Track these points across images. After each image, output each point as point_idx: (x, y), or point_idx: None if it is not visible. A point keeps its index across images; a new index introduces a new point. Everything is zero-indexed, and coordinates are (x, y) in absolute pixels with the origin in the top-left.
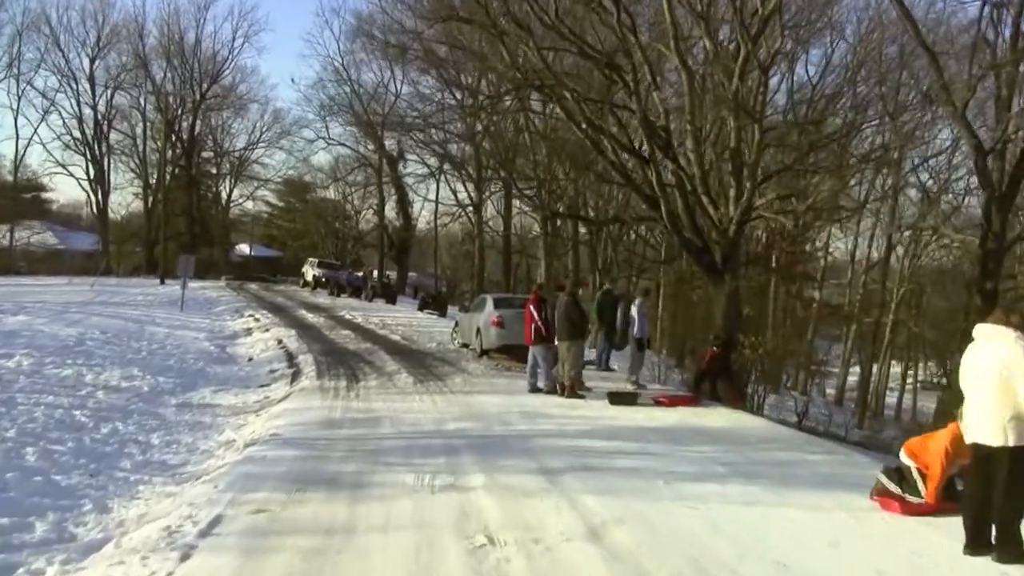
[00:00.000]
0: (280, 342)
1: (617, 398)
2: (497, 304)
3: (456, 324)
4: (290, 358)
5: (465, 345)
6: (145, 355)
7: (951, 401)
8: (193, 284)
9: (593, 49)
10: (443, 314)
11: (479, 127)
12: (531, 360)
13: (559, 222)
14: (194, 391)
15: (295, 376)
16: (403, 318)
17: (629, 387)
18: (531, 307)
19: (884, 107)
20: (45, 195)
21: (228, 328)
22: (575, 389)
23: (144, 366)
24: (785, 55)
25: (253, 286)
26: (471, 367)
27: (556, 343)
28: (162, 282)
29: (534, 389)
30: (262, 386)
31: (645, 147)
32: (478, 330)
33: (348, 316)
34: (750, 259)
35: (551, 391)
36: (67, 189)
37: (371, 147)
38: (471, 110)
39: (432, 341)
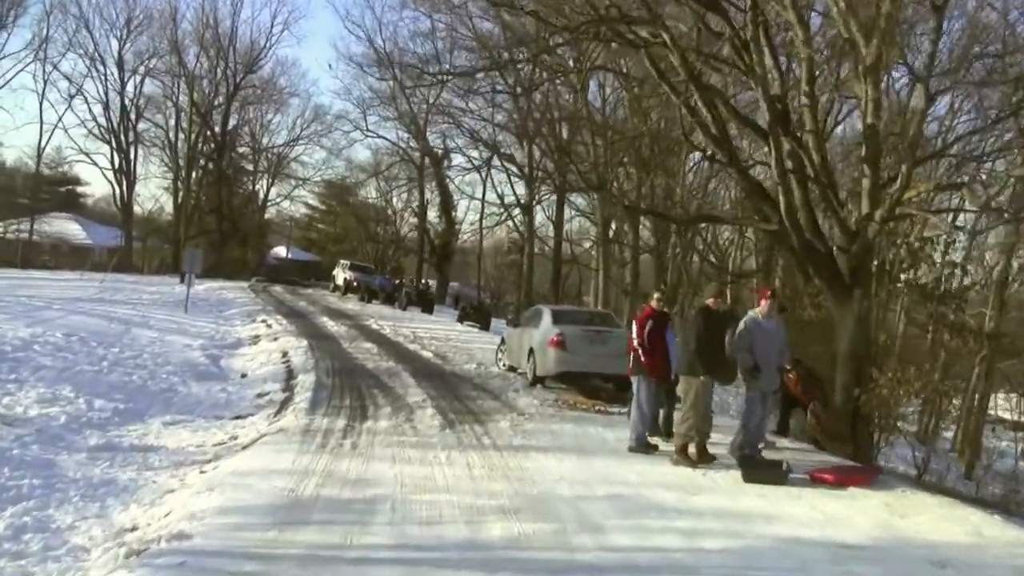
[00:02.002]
0: (285, 355)
1: (755, 472)
2: (557, 318)
3: (502, 341)
4: (289, 377)
5: (513, 368)
6: (105, 366)
7: None
8: (213, 284)
9: None
10: (485, 327)
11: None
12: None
13: (613, 227)
14: (140, 422)
15: (283, 405)
16: (439, 330)
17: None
18: (635, 323)
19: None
20: (80, 189)
21: (232, 335)
22: (686, 451)
23: (87, 383)
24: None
25: (278, 288)
26: (522, 402)
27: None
28: (182, 280)
29: (638, 444)
30: (238, 417)
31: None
32: (531, 351)
33: (375, 325)
34: (888, 271)
35: (637, 449)
36: (103, 183)
37: (413, 144)
38: (537, 48)
39: (471, 361)
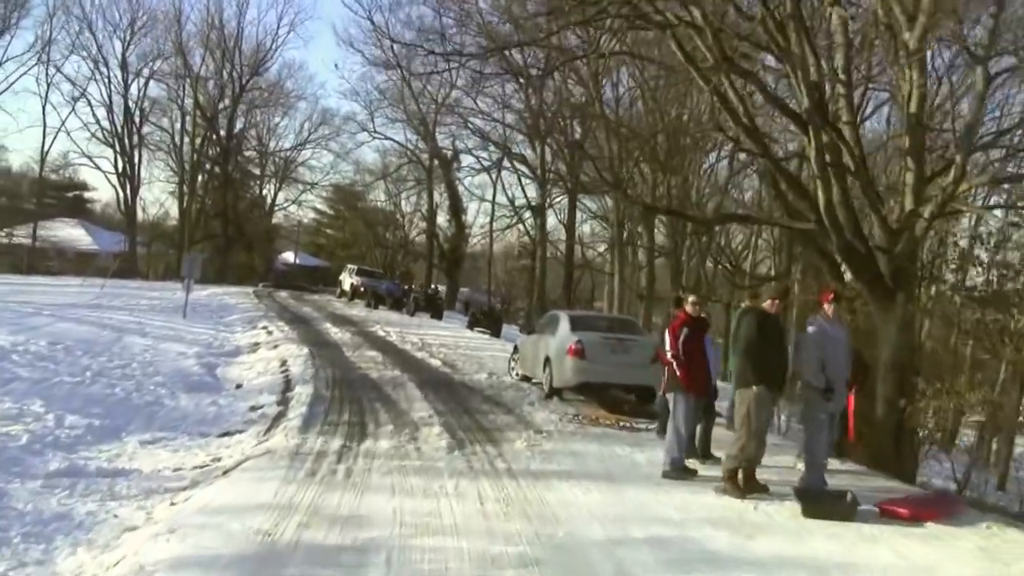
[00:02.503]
0: (284, 364)
1: (816, 506)
2: (575, 325)
3: (515, 350)
4: (286, 388)
5: (527, 379)
6: (88, 377)
7: None
8: (216, 289)
9: None
10: (496, 333)
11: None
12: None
13: (627, 230)
14: (115, 441)
15: (276, 421)
16: (448, 337)
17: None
18: (668, 332)
19: None
20: (87, 194)
21: (231, 342)
22: (735, 478)
23: (62, 396)
24: None
25: (283, 294)
26: (538, 417)
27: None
28: None
29: (674, 469)
30: (226, 434)
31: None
32: (547, 360)
33: (380, 332)
34: (931, 273)
35: (673, 475)
36: (110, 188)
37: (422, 146)
38: (550, 26)
39: (482, 370)
